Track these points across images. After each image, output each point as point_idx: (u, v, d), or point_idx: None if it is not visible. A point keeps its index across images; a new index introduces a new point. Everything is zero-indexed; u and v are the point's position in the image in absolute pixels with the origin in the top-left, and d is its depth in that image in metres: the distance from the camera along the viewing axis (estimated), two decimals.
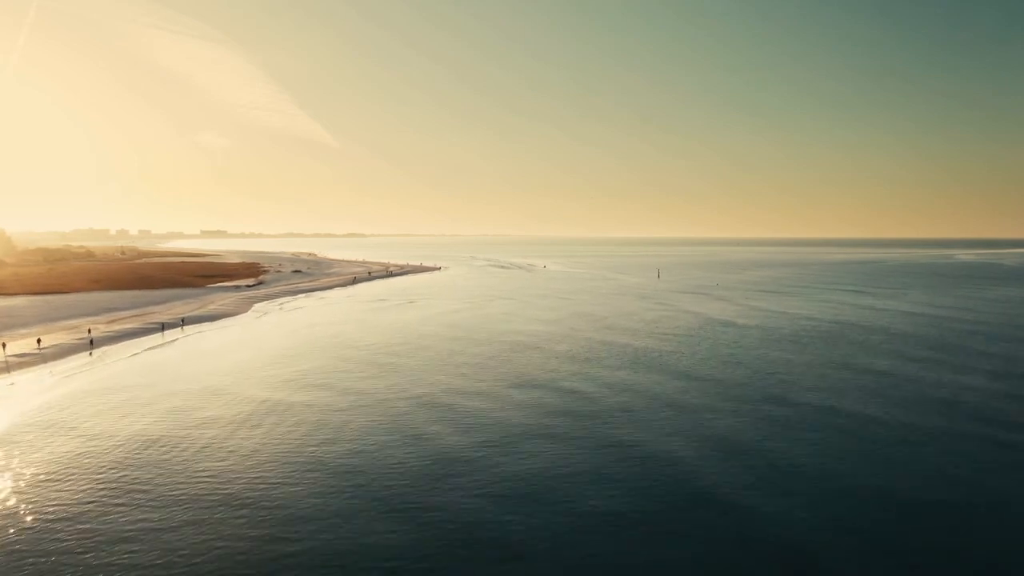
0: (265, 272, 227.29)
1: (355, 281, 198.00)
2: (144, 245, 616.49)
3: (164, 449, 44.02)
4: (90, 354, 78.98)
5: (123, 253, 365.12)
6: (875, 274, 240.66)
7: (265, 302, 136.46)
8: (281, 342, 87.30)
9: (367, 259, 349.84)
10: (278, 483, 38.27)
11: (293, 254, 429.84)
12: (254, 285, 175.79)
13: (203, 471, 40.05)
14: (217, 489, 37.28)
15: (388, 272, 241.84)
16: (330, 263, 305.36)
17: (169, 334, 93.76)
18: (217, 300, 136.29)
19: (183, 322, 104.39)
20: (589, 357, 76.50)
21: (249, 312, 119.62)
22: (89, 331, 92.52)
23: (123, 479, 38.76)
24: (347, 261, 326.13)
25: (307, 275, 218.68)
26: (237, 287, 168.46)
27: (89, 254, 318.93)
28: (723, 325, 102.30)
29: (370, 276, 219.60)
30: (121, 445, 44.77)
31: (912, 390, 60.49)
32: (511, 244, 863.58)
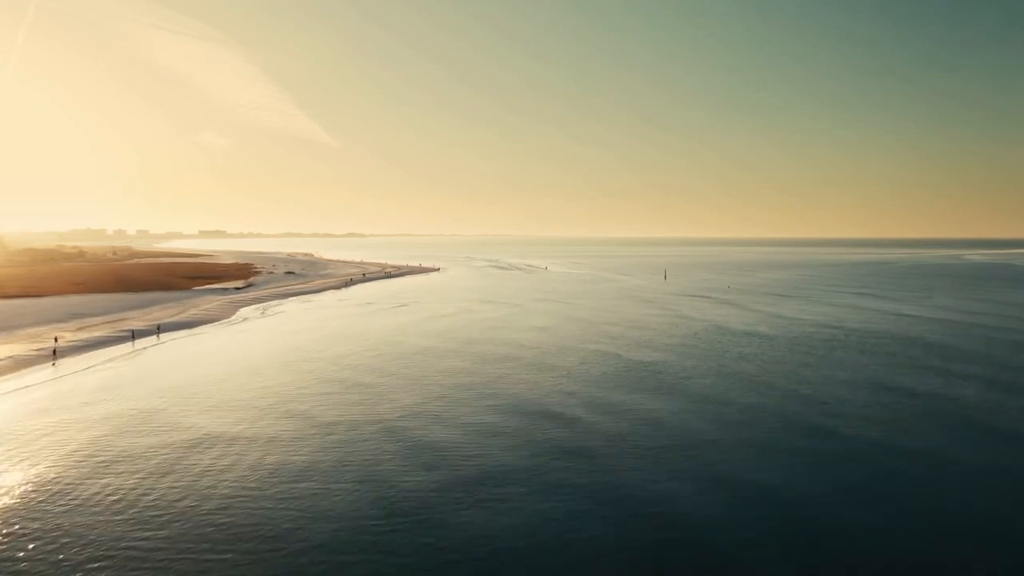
0: (257, 273, 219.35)
1: (350, 283, 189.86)
2: (141, 245, 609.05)
3: (70, 500, 35.74)
4: (54, 364, 71.70)
5: (115, 253, 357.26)
6: (888, 276, 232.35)
7: (251, 306, 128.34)
8: (253, 352, 79.14)
9: (365, 260, 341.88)
10: (201, 551, 30.12)
11: (289, 254, 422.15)
12: (243, 287, 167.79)
13: (99, 534, 31.90)
14: (118, 561, 29.13)
15: (386, 273, 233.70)
16: (325, 264, 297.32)
17: (140, 343, 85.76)
18: (201, 304, 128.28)
19: (159, 329, 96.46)
20: (603, 372, 68.29)
21: (231, 318, 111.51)
22: (56, 340, 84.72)
23: None
24: (344, 262, 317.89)
25: (300, 277, 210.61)
26: (224, 289, 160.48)
27: (80, 254, 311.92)
28: (746, 336, 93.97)
29: (365, 278, 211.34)
30: (23, 493, 36.65)
31: (984, 421, 52.25)
32: (511, 244, 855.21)
